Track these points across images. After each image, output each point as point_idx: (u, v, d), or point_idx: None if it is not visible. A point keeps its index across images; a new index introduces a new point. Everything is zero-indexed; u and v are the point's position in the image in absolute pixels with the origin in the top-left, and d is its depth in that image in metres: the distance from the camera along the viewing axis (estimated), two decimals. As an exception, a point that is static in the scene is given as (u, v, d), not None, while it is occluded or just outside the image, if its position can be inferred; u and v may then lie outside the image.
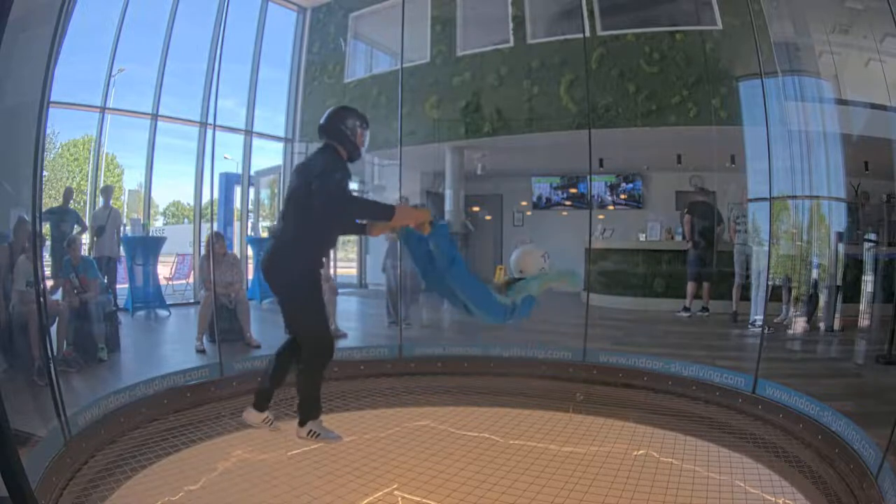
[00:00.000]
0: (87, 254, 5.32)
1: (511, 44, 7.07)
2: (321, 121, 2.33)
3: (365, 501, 2.21)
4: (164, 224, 8.73)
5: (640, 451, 2.71)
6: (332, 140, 2.30)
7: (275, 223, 2.33)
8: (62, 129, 6.50)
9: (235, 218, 8.18)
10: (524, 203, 9.35)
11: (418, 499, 2.26)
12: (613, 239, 7.91)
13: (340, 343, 4.94)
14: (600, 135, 6.17)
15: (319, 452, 2.67)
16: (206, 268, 5.15)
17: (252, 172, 8.02)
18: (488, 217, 9.33)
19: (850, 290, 5.15)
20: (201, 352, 4.34)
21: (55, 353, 3.44)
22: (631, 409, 3.33)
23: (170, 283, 6.93)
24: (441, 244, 2.20)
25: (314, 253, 2.29)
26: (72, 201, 5.63)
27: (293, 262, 2.23)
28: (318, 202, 2.14)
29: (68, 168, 7.21)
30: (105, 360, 4.03)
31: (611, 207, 8.79)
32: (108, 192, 6.10)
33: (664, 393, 3.60)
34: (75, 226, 5.24)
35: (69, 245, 4.37)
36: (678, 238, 7.06)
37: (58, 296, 4.06)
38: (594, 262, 7.13)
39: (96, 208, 6.04)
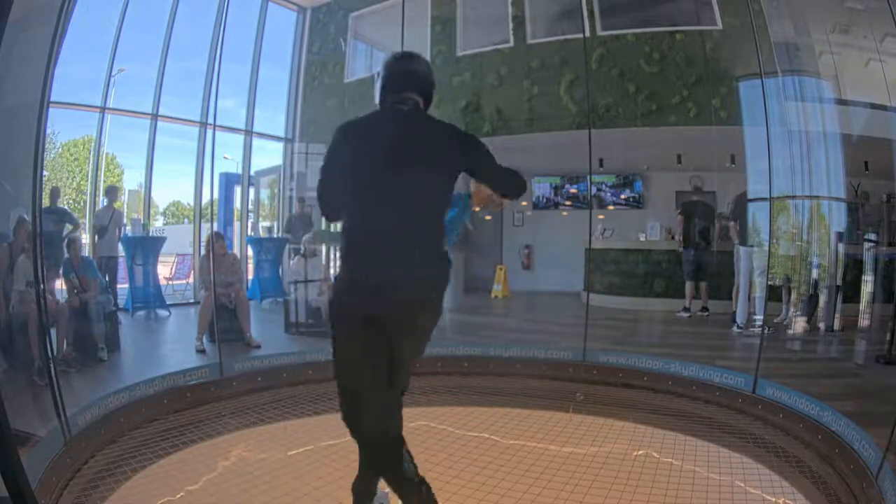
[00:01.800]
0: (87, 253, 5.33)
1: (511, 44, 7.07)
2: (419, 66, 1.80)
3: (365, 501, 2.21)
4: (164, 224, 8.73)
5: (640, 451, 2.71)
6: (424, 97, 1.78)
7: (381, 215, 1.60)
8: (62, 129, 6.50)
9: (235, 218, 8.19)
10: (524, 203, 9.35)
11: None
12: (613, 239, 7.91)
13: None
14: (600, 135, 6.18)
15: (319, 452, 2.68)
16: (206, 268, 5.15)
17: (252, 172, 8.03)
18: (488, 217, 9.33)
19: (850, 290, 5.15)
20: (201, 352, 4.34)
21: (55, 353, 3.45)
22: (631, 409, 3.33)
23: (170, 283, 6.93)
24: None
25: None
26: (60, 200, 5.61)
27: (447, 266, 1.68)
28: (497, 178, 1.80)
29: (68, 168, 7.21)
30: (105, 360, 4.03)
31: (611, 207, 8.80)
32: (112, 192, 6.11)
33: (664, 393, 3.60)
34: (67, 225, 5.22)
35: (69, 245, 4.37)
36: (678, 238, 7.07)
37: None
38: (594, 262, 7.14)
39: (98, 208, 6.05)
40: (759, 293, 5.19)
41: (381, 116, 1.78)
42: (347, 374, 1.67)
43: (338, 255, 1.62)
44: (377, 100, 1.82)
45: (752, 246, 5.35)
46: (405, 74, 1.78)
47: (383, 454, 1.62)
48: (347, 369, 1.66)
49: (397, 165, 1.62)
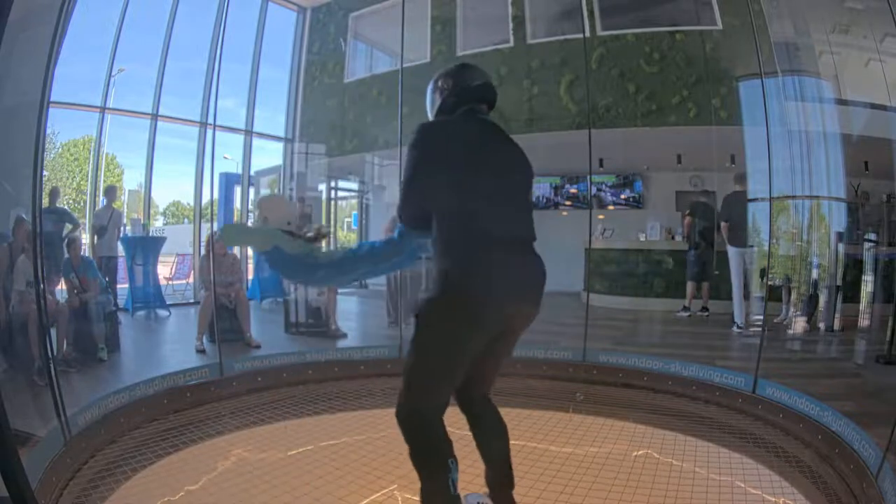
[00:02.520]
0: (87, 253, 5.33)
1: (511, 44, 7.07)
2: (489, 78, 1.85)
3: (365, 501, 2.21)
4: (164, 224, 8.73)
5: (640, 451, 2.70)
6: (490, 108, 1.86)
7: (503, 215, 1.65)
8: (62, 129, 6.52)
9: (235, 218, 8.19)
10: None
11: (419, 499, 2.26)
12: (613, 239, 7.92)
13: (340, 343, 4.95)
14: (600, 135, 6.18)
15: (319, 452, 2.67)
16: (206, 268, 5.16)
17: (252, 172, 8.03)
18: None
19: (850, 290, 5.15)
20: (201, 352, 4.34)
21: (55, 353, 3.45)
22: (631, 409, 3.32)
23: (170, 283, 6.93)
24: None
25: None
26: (60, 200, 5.60)
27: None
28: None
29: (68, 168, 7.21)
30: (105, 360, 4.03)
31: (611, 207, 8.80)
32: (111, 192, 6.11)
33: (664, 393, 3.60)
34: (67, 225, 5.21)
35: (69, 245, 4.37)
36: (678, 238, 7.07)
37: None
38: (594, 262, 7.14)
39: (98, 208, 6.05)
40: (757, 293, 5.19)
41: (469, 122, 1.77)
42: (452, 369, 1.67)
43: (446, 250, 1.59)
44: (436, 108, 1.85)
45: (751, 246, 5.34)
46: (483, 86, 1.82)
47: (420, 440, 1.72)
48: (454, 365, 1.67)
49: (506, 169, 1.72)
